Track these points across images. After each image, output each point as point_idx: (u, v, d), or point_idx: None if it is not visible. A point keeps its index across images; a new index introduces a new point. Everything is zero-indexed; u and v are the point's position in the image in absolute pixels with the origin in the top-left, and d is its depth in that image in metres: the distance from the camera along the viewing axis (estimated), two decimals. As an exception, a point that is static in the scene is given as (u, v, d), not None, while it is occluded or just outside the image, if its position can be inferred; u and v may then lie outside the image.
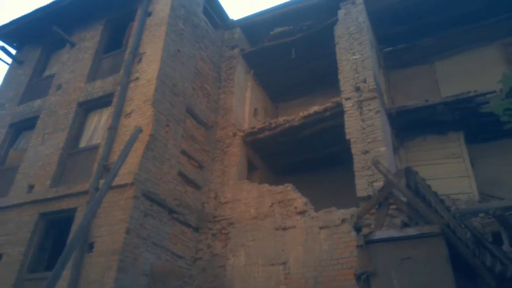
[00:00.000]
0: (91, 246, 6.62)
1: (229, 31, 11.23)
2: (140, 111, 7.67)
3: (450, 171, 8.32)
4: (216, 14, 10.90)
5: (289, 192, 8.02)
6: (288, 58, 10.65)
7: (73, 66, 9.66)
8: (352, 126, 7.95)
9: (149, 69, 8.15)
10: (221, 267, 7.67)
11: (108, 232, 6.59)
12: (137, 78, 8.15)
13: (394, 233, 4.67)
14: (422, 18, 10.13)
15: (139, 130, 6.66)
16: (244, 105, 10.53)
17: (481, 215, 5.84)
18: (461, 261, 4.30)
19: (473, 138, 8.58)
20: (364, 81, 8.34)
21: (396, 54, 10.94)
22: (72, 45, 10.13)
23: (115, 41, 9.78)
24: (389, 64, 10.95)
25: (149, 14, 9.07)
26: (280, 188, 8.15)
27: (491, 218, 5.28)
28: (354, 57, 8.76)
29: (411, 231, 4.59)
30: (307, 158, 10.48)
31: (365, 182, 7.21)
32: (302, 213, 7.63)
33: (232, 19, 11.28)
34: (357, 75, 8.51)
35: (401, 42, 10.79)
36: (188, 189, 8.22)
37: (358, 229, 6.63)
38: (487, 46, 9.97)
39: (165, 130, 7.79)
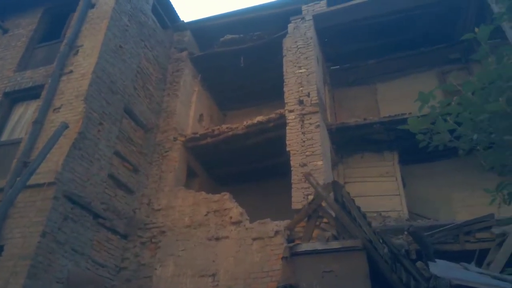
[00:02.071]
0: (0, 249, 6.00)
1: (178, 33, 10.98)
2: (70, 106, 7.17)
3: (383, 189, 8.56)
4: (166, 14, 10.62)
5: (226, 201, 7.83)
6: (237, 66, 10.57)
7: (3, 53, 8.92)
8: (293, 138, 7.98)
9: (85, 62, 7.69)
10: (147, 278, 7.25)
11: (21, 235, 6.00)
12: (70, 71, 7.65)
13: (318, 246, 4.63)
14: (367, 41, 10.55)
15: (64, 126, 6.19)
16: (189, 110, 10.26)
17: (405, 232, 5.98)
18: (380, 276, 4.33)
19: (406, 158, 8.93)
20: (308, 95, 8.43)
21: (342, 73, 11.27)
22: (5, 31, 9.38)
23: (53, 31, 9.19)
24: (335, 82, 11.23)
25: (92, 6, 8.61)
26: (217, 196, 7.94)
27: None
28: (300, 71, 8.86)
29: (334, 245, 4.58)
30: (249, 168, 10.37)
31: (301, 195, 7.21)
32: (237, 223, 7.45)
33: (183, 21, 11.05)
34: (301, 88, 8.59)
35: (347, 62, 11.15)
36: (119, 193, 7.77)
37: (290, 241, 6.59)
38: (425, 72, 10.53)
39: (97, 128, 7.33)
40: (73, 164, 6.64)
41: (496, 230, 5.87)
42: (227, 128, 9.27)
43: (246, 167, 10.16)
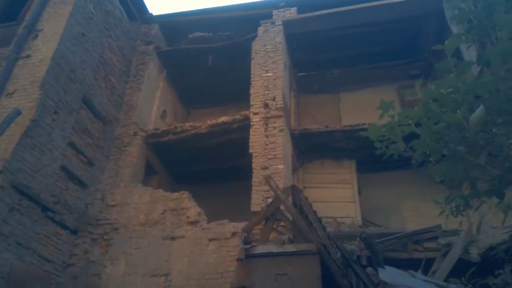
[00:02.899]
0: None
1: (146, 25, 10.71)
2: (25, 92, 6.78)
3: (340, 196, 8.78)
4: (134, 6, 10.33)
5: (184, 200, 7.71)
6: (205, 65, 10.48)
7: (-47, 31, 8.28)
8: (256, 141, 8.01)
9: (44, 48, 7.31)
10: (96, 276, 6.97)
11: (-40, 226, 5.60)
12: (28, 56, 7.24)
13: (274, 248, 4.66)
14: (334, 50, 10.83)
15: (16, 112, 5.85)
16: (152, 105, 10.02)
17: (358, 238, 6.15)
18: (331, 280, 4.41)
19: (363, 167, 9.21)
20: (273, 99, 8.50)
21: (308, 80, 11.47)
22: (-44, 7, 8.74)
23: (11, 12, 8.65)
24: (300, 88, 11.41)
25: (56, -10, 8.21)
26: (175, 195, 7.80)
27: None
28: (267, 74, 8.92)
29: (290, 248, 4.62)
30: (210, 168, 10.27)
31: (261, 197, 7.24)
32: (194, 223, 7.35)
33: (151, 14, 10.80)
34: (267, 92, 8.65)
35: (313, 70, 11.36)
36: (71, 187, 7.43)
37: (247, 243, 6.57)
38: (386, 85, 10.94)
39: (52, 117, 6.98)
40: (23, 153, 6.27)
41: (442, 241, 6.17)
42: (190, 126, 9.13)
43: (207, 167, 10.07)
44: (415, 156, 3.00)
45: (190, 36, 10.42)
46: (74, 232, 7.35)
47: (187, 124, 9.34)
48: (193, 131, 9.11)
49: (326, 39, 10.44)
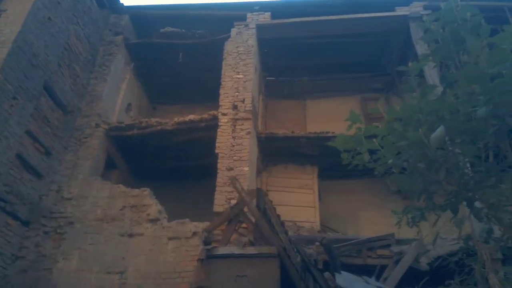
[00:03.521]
0: None
1: (116, 15, 10.41)
2: (-19, 75, 6.39)
3: (301, 200, 8.97)
4: (105, -6, 10.02)
5: (145, 197, 7.57)
6: (175, 61, 10.34)
7: None
8: (223, 141, 8.02)
9: (6, 29, 6.92)
10: (46, 270, 6.68)
11: None
12: (-13, 36, 6.83)
13: (235, 250, 4.69)
14: (304, 58, 11.08)
15: (-29, 94, 5.49)
16: (117, 98, 9.74)
17: (317, 243, 6.33)
18: (290, 283, 4.52)
19: (325, 174, 9.47)
20: (243, 101, 8.55)
21: (277, 84, 11.63)
22: None
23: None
24: (269, 92, 11.53)
25: (22, -31, 7.80)
26: (136, 191, 7.64)
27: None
28: (238, 76, 8.96)
29: (251, 250, 4.68)
30: (174, 166, 10.11)
31: (224, 198, 7.26)
32: (154, 221, 7.24)
33: (122, 4, 10.50)
34: (237, 93, 8.68)
35: (282, 75, 11.54)
36: (26, 176, 7.07)
37: (207, 243, 6.56)
38: (350, 96, 11.31)
39: (10, 103, 6.62)
40: (-25, 138, 5.91)
41: (395, 249, 6.48)
42: (156, 122, 8.97)
43: (171, 165, 9.91)
44: (378, 168, 3.15)
45: (162, 30, 10.25)
46: (26, 223, 7.01)
47: (153, 120, 9.17)
48: (158, 127, 8.95)
49: (297, 46, 10.65)
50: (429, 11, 9.04)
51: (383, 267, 6.30)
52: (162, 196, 7.86)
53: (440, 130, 2.45)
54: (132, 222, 7.25)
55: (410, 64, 2.92)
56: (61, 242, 7.00)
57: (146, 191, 7.62)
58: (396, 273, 5.83)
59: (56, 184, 7.67)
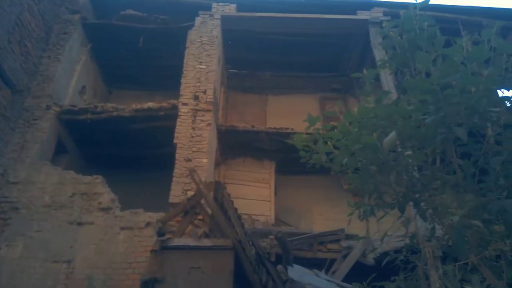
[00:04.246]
0: None
1: (74, -7, 9.89)
2: None
3: (257, 194, 9.10)
4: (63, -31, 9.47)
5: (98, 185, 7.33)
6: (135, 45, 10.00)
7: None
8: (182, 131, 7.92)
9: (-52, -4, 6.37)
10: (-14, 258, 6.30)
11: None
12: None
13: (190, 242, 4.70)
14: (267, 53, 11.14)
15: None
16: (71, 80, 9.29)
17: (271, 236, 6.46)
18: (243, 275, 4.59)
19: (281, 169, 9.65)
20: (204, 92, 8.47)
21: (239, 77, 11.63)
22: None
23: None
24: (231, 85, 11.50)
25: None
26: (87, 178, 7.37)
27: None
28: (200, 66, 8.85)
29: (206, 242, 4.70)
30: (129, 154, 9.83)
31: (180, 189, 7.19)
32: (105, 209, 7.04)
33: (82, -18, 10.00)
34: (198, 84, 8.59)
35: (245, 68, 11.55)
36: (-34, 158, 6.60)
37: (161, 234, 6.49)
38: (310, 95, 11.57)
39: (-50, 77, 6.12)
40: None
41: (344, 243, 6.77)
42: (112, 107, 8.66)
43: (126, 152, 9.63)
44: (334, 167, 3.29)
45: (122, 13, 9.89)
46: (-36, 208, 6.55)
47: (109, 105, 8.85)
48: (115, 113, 8.66)
49: (261, 41, 10.68)
50: (388, 17, 9.40)
51: (333, 261, 6.56)
52: (116, 184, 7.63)
53: (392, 135, 2.59)
54: (82, 210, 7.02)
55: (365, 71, 3.05)
56: (5, 228, 6.64)
57: (99, 179, 7.38)
58: (344, 267, 6.10)
59: (1, 167, 7.22)
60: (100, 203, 7.09)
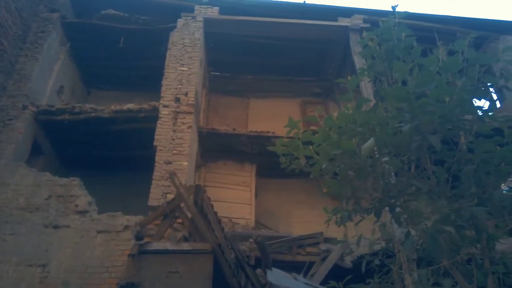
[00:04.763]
0: None
1: (53, -9, 9.69)
2: None
3: (238, 197, 9.09)
4: (42, -34, 9.27)
5: (74, 187, 7.18)
6: (116, 46, 9.87)
7: None
8: (162, 134, 7.87)
9: None
10: (-44, 262, 6.08)
11: None
12: None
13: (169, 246, 4.66)
14: (250, 56, 11.18)
15: None
16: (49, 79, 9.09)
17: (251, 240, 6.47)
18: (222, 279, 4.59)
19: (262, 172, 9.67)
20: (186, 94, 8.44)
21: (221, 80, 11.62)
22: None
23: None
24: (213, 87, 11.48)
25: None
26: (64, 180, 7.22)
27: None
28: (182, 68, 8.82)
29: (185, 246, 4.68)
30: (108, 155, 9.67)
31: (160, 192, 7.14)
32: (82, 212, 6.90)
33: (61, -20, 9.81)
34: (180, 86, 8.55)
35: (227, 71, 11.56)
36: None
37: (139, 238, 6.41)
38: (291, 98, 11.67)
39: None
40: None
41: (322, 247, 6.84)
42: (91, 108, 8.53)
43: (105, 154, 9.46)
44: (313, 172, 3.34)
45: (103, 12, 9.77)
46: None
47: (87, 106, 8.72)
48: (93, 114, 8.53)
49: (244, 44, 10.71)
50: (368, 24, 9.61)
51: (311, 264, 6.62)
52: (93, 187, 7.50)
53: (370, 141, 2.66)
54: (58, 213, 6.87)
55: (349, 77, 3.11)
56: (-24, 232, 6.42)
57: (76, 181, 7.24)
58: (322, 270, 6.16)
59: (-27, 169, 6.99)
60: (76, 205, 6.95)
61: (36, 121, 8.25)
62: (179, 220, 6.13)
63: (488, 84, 2.96)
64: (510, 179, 2.97)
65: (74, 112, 8.46)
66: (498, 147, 2.58)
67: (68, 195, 7.08)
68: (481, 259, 2.73)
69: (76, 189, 7.14)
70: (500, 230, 2.85)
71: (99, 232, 6.64)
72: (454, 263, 2.68)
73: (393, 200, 2.95)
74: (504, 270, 2.76)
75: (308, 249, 7.19)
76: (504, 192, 3.08)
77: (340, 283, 3.27)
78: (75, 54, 10.19)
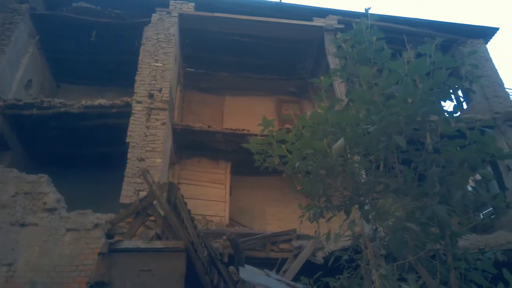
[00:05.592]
0: None
1: (22, -19, 9.32)
2: None
3: (212, 195, 9.07)
4: (10, -45, 8.90)
5: (42, 184, 6.96)
6: (87, 39, 9.65)
7: None
8: (135, 130, 7.74)
9: None
10: None
11: None
12: None
13: (141, 244, 4.61)
14: (225, 54, 11.18)
15: None
16: (16, 72, 8.77)
17: (224, 237, 6.48)
18: (195, 277, 4.58)
19: (237, 169, 9.69)
20: (160, 90, 8.33)
21: (196, 77, 11.55)
22: None
23: None
24: (187, 84, 11.38)
25: None
26: (31, 177, 6.98)
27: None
28: (156, 64, 8.70)
29: (157, 244, 4.64)
30: (79, 152, 9.43)
31: (132, 190, 7.04)
32: (51, 210, 6.70)
33: (30, -30, 9.45)
34: (154, 82, 8.43)
35: (203, 68, 11.50)
36: None
37: (110, 237, 6.30)
38: (266, 97, 11.75)
39: None
40: None
41: (295, 243, 6.94)
42: (60, 103, 8.28)
43: (75, 151, 9.22)
44: (286, 170, 3.38)
45: (74, 5, 9.51)
46: None
47: (57, 100, 8.46)
48: (62, 109, 8.28)
49: (219, 41, 10.67)
50: (342, 25, 9.77)
51: (284, 260, 6.71)
52: (63, 184, 7.32)
53: (340, 141, 2.72)
54: (25, 210, 6.64)
55: (322, 78, 3.17)
56: None
57: (44, 178, 7.02)
58: (294, 266, 6.25)
59: None
60: (45, 203, 6.75)
61: (3, 116, 7.96)
62: (152, 218, 6.07)
63: (456, 86, 3.08)
64: (472, 178, 3.11)
65: (42, 107, 8.20)
66: (458, 148, 2.68)
67: (36, 192, 6.86)
68: (444, 255, 2.84)
69: (44, 186, 6.93)
70: (463, 228, 2.98)
71: (68, 230, 6.47)
72: (419, 259, 2.78)
73: (362, 198, 3.03)
74: (466, 265, 2.88)
75: (282, 245, 7.28)
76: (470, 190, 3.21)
77: (310, 280, 3.34)
78: (45, 47, 9.88)
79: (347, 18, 9.90)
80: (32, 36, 9.31)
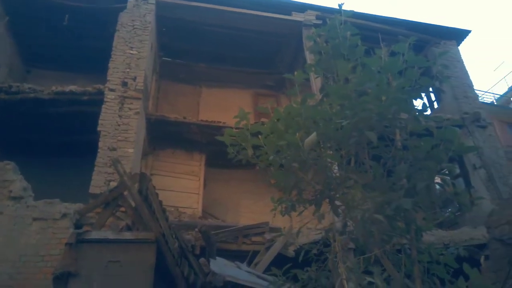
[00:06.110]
0: None
1: (-11, -42, 8.87)
2: None
3: (186, 186, 9.00)
4: None
5: (8, 171, 6.71)
6: (59, 23, 9.32)
7: None
8: (107, 119, 7.56)
9: None
10: None
11: None
12: None
13: (110, 234, 4.53)
14: (202, 45, 11.01)
15: None
16: (-18, 54, 8.37)
17: (196, 229, 6.45)
18: (165, 268, 4.54)
19: (211, 162, 9.64)
20: (134, 79, 8.15)
21: (173, 66, 11.36)
22: None
23: None
24: (163, 73, 11.19)
25: None
26: (-3, 164, 6.71)
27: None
28: (131, 51, 8.49)
29: (127, 235, 4.57)
30: (48, 140, 9.11)
31: (103, 180, 6.89)
32: (16, 199, 6.48)
33: None
34: (128, 70, 8.23)
35: (180, 58, 11.31)
36: None
37: (79, 227, 6.14)
38: (243, 89, 11.71)
39: None
40: None
41: (267, 236, 6.98)
42: (29, 88, 7.98)
43: (44, 138, 8.91)
44: (260, 163, 3.39)
45: (47, -14, 9.12)
46: None
47: (26, 85, 8.15)
48: (32, 95, 8.00)
49: (197, 31, 10.51)
50: (320, 21, 9.82)
51: (256, 253, 6.74)
52: (30, 172, 7.06)
53: (312, 135, 2.75)
54: (-11, 198, 6.39)
55: (296, 72, 3.18)
56: None
57: (10, 165, 6.76)
58: (266, 259, 6.30)
59: None
60: (10, 191, 6.52)
61: (-34, 100, 7.58)
62: (123, 209, 5.96)
63: (427, 86, 3.16)
64: (438, 175, 3.20)
65: (10, 92, 7.89)
66: (422, 144, 2.74)
67: (1, 180, 6.62)
68: (409, 248, 2.93)
69: (10, 174, 6.68)
70: (428, 223, 3.07)
71: (35, 219, 6.29)
72: (385, 252, 2.85)
73: (332, 192, 3.07)
74: (429, 259, 2.98)
75: (254, 238, 7.30)
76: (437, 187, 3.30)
77: (280, 272, 3.38)
78: (14, 29, 9.50)
79: (325, 14, 9.95)
80: (1, 17, 8.89)
